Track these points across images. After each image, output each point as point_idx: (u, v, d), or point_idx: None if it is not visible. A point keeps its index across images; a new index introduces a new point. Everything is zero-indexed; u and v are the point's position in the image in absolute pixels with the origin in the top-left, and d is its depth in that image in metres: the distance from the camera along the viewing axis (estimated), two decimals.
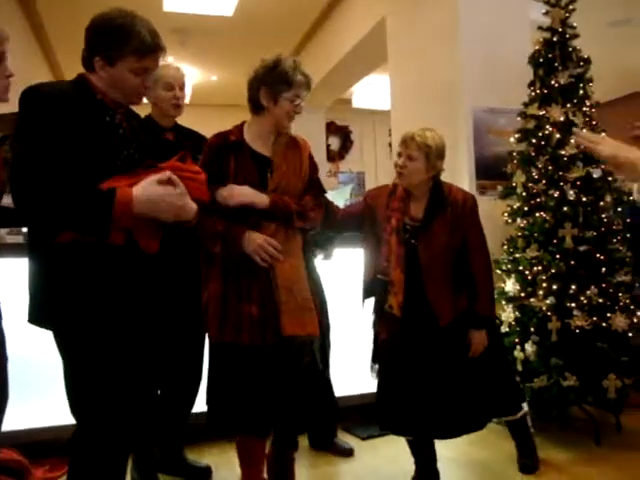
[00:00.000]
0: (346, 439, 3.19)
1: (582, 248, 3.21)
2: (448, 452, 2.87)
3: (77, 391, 1.77)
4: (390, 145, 5.96)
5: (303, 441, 3.00)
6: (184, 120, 2.81)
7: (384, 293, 2.47)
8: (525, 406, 2.85)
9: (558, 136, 3.32)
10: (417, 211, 2.50)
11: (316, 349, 2.35)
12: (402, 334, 2.45)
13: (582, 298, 3.13)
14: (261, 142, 2.33)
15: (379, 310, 2.52)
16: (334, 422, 3.08)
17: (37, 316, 1.75)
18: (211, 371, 2.30)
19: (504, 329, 3.34)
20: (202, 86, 8.46)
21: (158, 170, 1.79)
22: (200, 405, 2.77)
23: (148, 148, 1.91)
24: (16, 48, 5.61)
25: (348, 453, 3.06)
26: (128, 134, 1.85)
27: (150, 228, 1.78)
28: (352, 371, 3.19)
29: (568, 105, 3.37)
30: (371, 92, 8.40)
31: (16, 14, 5.63)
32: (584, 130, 3.25)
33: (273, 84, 2.25)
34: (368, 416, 3.14)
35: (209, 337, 2.28)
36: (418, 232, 2.45)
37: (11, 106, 2.81)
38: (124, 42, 1.74)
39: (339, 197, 2.78)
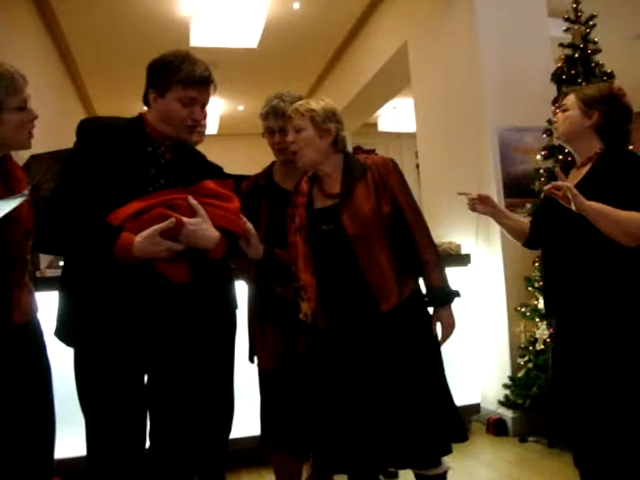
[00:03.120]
0: None
1: None
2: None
3: (85, 413, 1.87)
4: (418, 167, 5.98)
5: None
6: (212, 150, 2.86)
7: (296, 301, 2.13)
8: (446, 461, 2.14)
9: None
10: (333, 187, 2.17)
11: None
12: (329, 338, 2.11)
13: None
14: (292, 180, 2.35)
15: (296, 323, 2.17)
16: None
17: (60, 332, 1.88)
18: (264, 397, 2.43)
19: (539, 347, 3.31)
20: (229, 116, 8.63)
21: (177, 192, 1.85)
22: (237, 431, 2.80)
23: (195, 178, 1.94)
24: (51, 87, 5.82)
25: (393, 475, 3.00)
26: (170, 165, 1.92)
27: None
28: None
29: None
30: (396, 115, 8.46)
31: (51, 54, 5.85)
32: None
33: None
34: None
35: (259, 365, 2.41)
36: (339, 207, 2.11)
37: (43, 146, 2.90)
38: (173, 73, 1.87)
39: None
